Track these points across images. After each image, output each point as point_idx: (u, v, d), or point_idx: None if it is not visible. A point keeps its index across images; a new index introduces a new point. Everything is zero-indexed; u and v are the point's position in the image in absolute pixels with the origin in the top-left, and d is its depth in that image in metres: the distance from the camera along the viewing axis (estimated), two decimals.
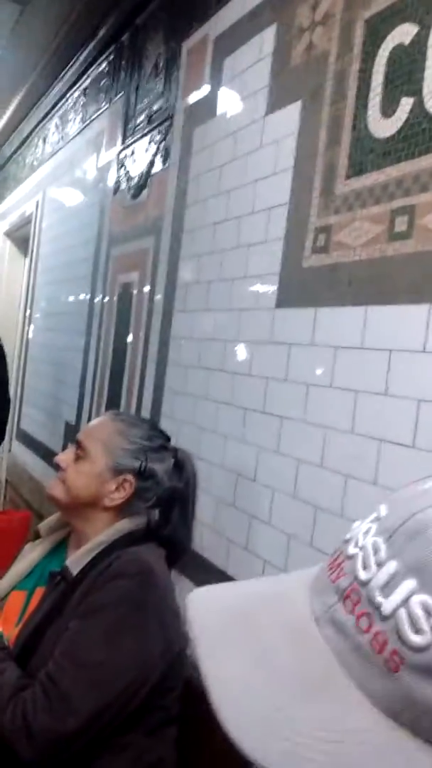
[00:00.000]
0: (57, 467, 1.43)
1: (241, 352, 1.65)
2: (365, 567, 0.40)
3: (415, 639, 0.36)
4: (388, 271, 1.19)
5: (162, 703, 1.29)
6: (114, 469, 1.37)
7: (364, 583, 0.40)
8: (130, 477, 1.37)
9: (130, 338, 2.40)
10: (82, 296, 3.02)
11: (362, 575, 0.40)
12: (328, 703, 0.38)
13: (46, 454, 3.37)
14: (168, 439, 1.48)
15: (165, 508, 1.40)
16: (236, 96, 1.78)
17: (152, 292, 2.22)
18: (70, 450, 1.45)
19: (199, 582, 1.71)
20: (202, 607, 0.45)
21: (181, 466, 1.43)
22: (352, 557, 0.42)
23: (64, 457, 1.43)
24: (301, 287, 1.43)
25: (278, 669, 0.40)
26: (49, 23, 2.97)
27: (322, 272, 1.36)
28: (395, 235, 1.18)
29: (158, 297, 2.17)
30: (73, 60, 3.21)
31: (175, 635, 1.28)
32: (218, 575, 1.65)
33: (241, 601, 0.46)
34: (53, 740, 1.14)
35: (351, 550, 0.42)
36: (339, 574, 0.42)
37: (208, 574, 1.69)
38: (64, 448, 3.03)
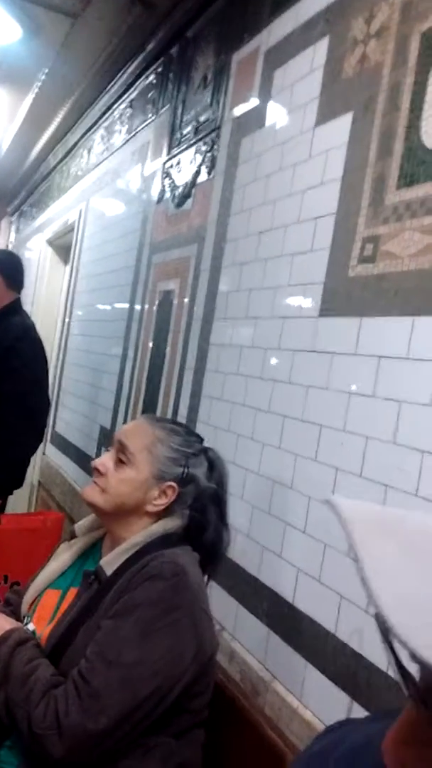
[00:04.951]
0: (95, 472, 1.41)
1: (282, 359, 1.65)
2: None
3: None
4: None
5: (192, 707, 1.28)
6: (158, 477, 1.38)
7: None
8: (173, 484, 1.38)
9: (168, 345, 2.42)
10: (121, 304, 3.05)
11: None
12: None
13: (80, 458, 3.40)
14: (201, 440, 1.49)
15: (202, 510, 1.40)
16: (285, 107, 1.80)
17: (192, 300, 2.24)
18: (110, 455, 1.42)
19: (230, 588, 1.71)
20: (353, 508, 0.45)
21: (213, 466, 1.44)
22: None
23: (104, 462, 1.41)
24: (346, 296, 1.43)
25: None
26: (99, 35, 3.02)
27: (368, 282, 1.36)
28: None
29: (198, 305, 2.18)
30: (121, 72, 3.26)
31: (207, 638, 1.28)
32: (251, 582, 1.64)
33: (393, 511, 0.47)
34: (84, 738, 1.14)
35: None
36: None
37: (241, 580, 1.68)
38: (98, 452, 3.06)
